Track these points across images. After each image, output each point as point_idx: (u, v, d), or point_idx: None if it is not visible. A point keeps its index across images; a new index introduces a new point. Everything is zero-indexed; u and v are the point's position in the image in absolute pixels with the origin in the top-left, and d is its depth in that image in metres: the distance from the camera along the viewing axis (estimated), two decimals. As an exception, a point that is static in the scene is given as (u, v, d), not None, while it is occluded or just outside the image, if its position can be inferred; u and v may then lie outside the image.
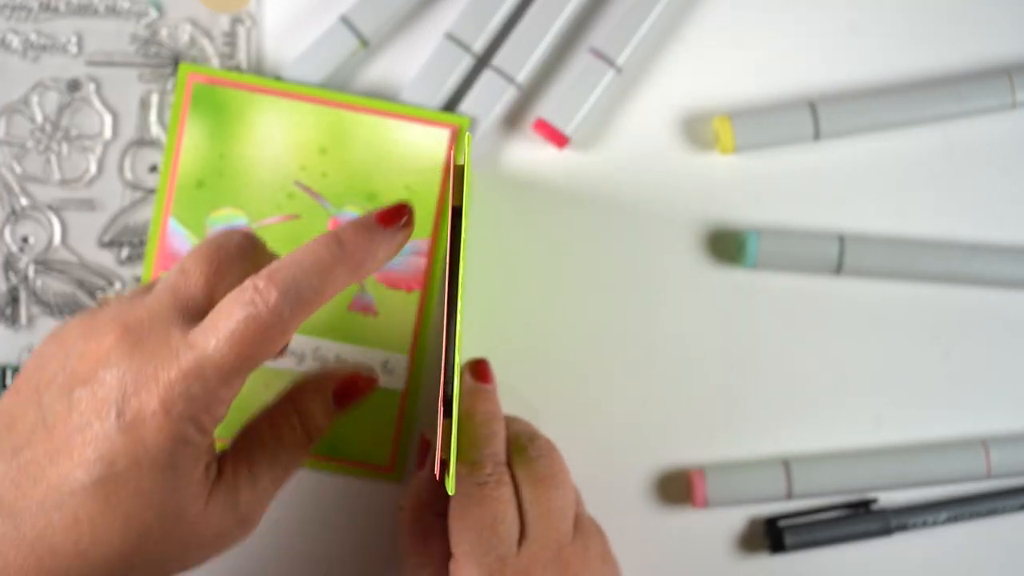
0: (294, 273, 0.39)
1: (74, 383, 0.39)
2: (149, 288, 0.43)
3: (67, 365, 0.40)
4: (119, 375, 0.39)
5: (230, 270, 0.42)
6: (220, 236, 0.43)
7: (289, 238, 0.56)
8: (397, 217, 0.43)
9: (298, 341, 0.56)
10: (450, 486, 0.42)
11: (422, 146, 0.56)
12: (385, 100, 0.57)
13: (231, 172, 0.56)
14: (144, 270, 0.56)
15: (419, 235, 0.56)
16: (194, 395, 0.39)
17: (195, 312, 0.41)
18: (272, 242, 0.55)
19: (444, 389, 0.44)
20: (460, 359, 0.44)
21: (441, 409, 0.44)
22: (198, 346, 0.39)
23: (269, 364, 0.55)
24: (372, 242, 0.42)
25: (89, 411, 0.39)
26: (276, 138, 0.56)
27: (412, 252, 0.56)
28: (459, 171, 0.45)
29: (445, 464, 0.42)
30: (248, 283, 0.39)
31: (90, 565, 0.39)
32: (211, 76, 0.56)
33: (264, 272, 0.39)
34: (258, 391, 0.56)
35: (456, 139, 0.56)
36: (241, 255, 0.42)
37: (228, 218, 0.56)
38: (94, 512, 0.38)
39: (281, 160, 0.56)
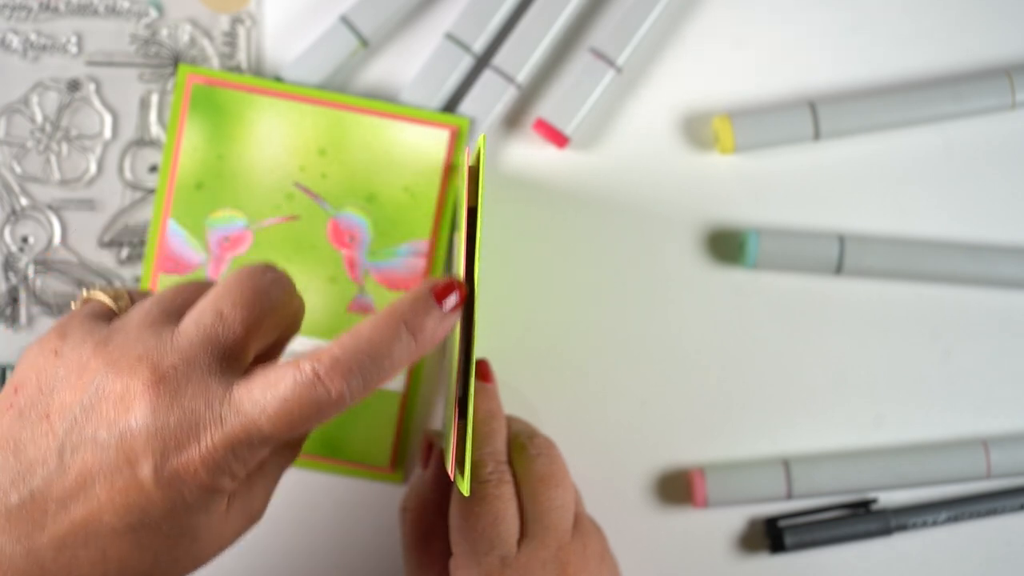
0: (361, 362, 0.38)
1: (98, 424, 0.38)
2: (168, 312, 0.40)
3: (86, 399, 0.38)
4: (155, 428, 0.37)
5: (268, 316, 0.40)
6: (257, 279, 0.40)
7: (289, 239, 0.56)
8: (449, 292, 0.41)
9: (297, 342, 0.56)
10: (464, 487, 0.42)
11: (421, 147, 0.56)
12: (385, 101, 0.57)
13: (230, 173, 0.56)
14: (143, 271, 0.56)
15: (419, 236, 0.56)
16: (237, 458, 0.38)
17: (232, 360, 0.39)
18: (272, 243, 0.56)
19: (460, 390, 0.44)
20: (475, 360, 0.43)
21: (456, 410, 0.44)
22: (245, 414, 0.37)
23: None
24: (437, 328, 0.40)
25: (118, 457, 0.37)
26: (275, 139, 0.56)
27: (412, 253, 0.56)
28: (474, 172, 0.45)
29: (460, 465, 0.42)
30: (308, 367, 0.38)
31: None
32: (210, 77, 0.56)
33: (328, 358, 0.38)
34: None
35: (456, 140, 0.56)
36: (278, 300, 0.41)
37: (227, 219, 0.56)
38: (124, 552, 0.38)
39: (280, 161, 0.56)
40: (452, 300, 0.41)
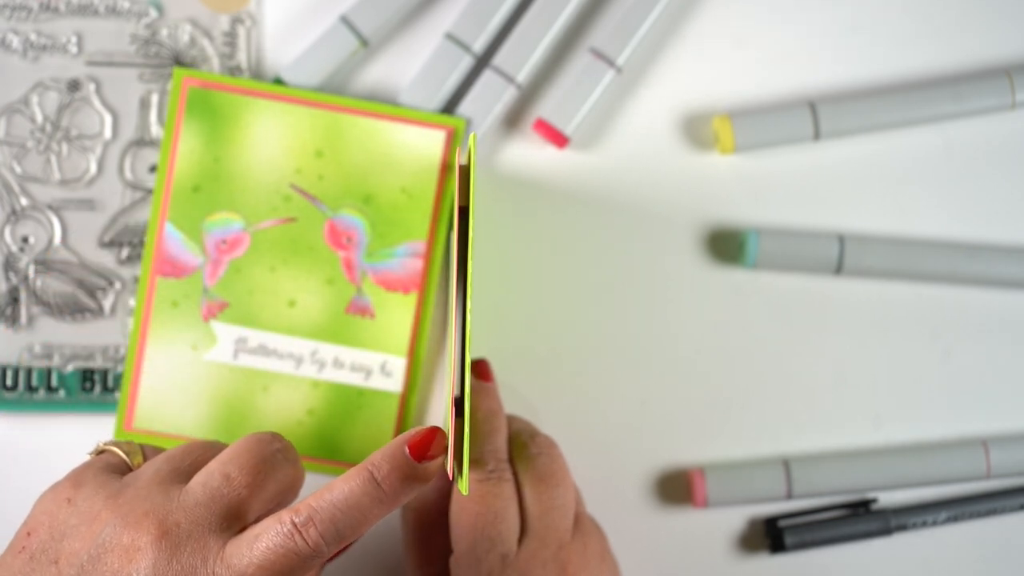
0: (333, 514, 0.41)
1: (103, 572, 0.40)
2: (178, 471, 0.43)
3: (94, 549, 0.40)
4: None
5: (271, 481, 0.43)
6: (264, 447, 0.43)
7: (286, 241, 0.56)
8: (427, 446, 0.43)
9: (297, 344, 0.56)
10: (463, 486, 0.42)
11: (418, 148, 0.56)
12: (382, 102, 0.57)
13: (227, 176, 0.56)
14: (142, 274, 0.56)
15: (416, 237, 0.56)
16: None
17: (233, 520, 0.41)
18: (269, 245, 0.56)
19: (457, 390, 0.44)
20: (470, 359, 0.44)
21: (453, 410, 0.44)
22: (234, 567, 0.40)
23: (265, 367, 0.56)
24: (407, 482, 0.42)
25: None
26: (271, 141, 0.56)
27: (409, 254, 0.56)
28: (464, 172, 0.45)
29: (458, 464, 0.42)
30: (287, 518, 0.40)
31: None
32: (206, 80, 0.56)
33: (305, 510, 0.40)
34: (255, 393, 0.56)
35: (452, 140, 0.56)
36: (282, 469, 0.43)
37: (224, 222, 0.56)
38: None
39: (277, 163, 0.56)
40: (429, 452, 0.42)
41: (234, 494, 0.42)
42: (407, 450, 0.42)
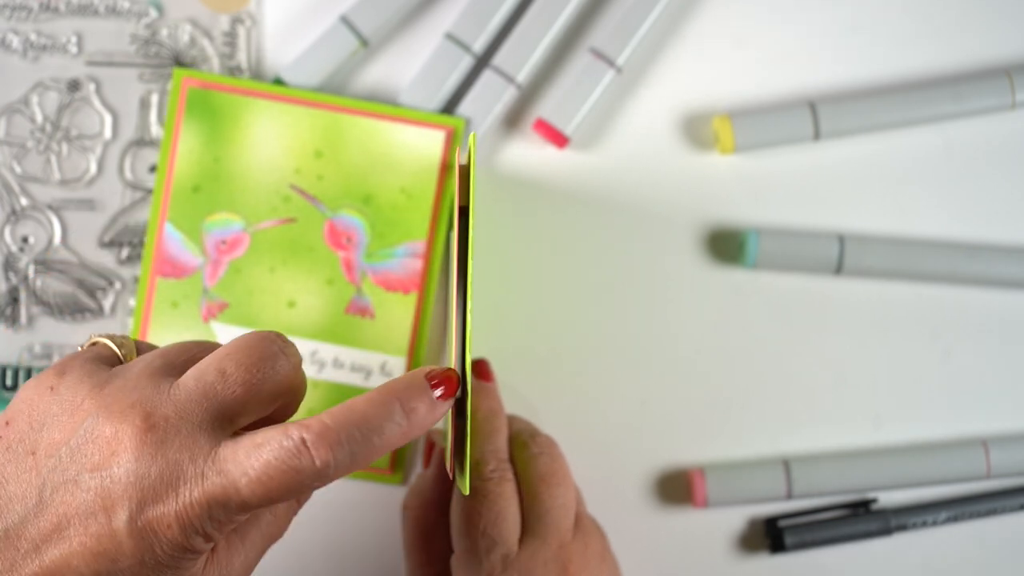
0: (351, 435, 0.37)
1: (82, 465, 0.37)
2: (171, 365, 0.40)
3: (74, 440, 0.37)
4: (136, 475, 0.37)
5: (270, 384, 0.39)
6: (266, 346, 0.39)
7: (285, 241, 0.56)
8: (443, 380, 0.40)
9: (297, 344, 0.55)
10: (463, 485, 0.42)
11: (417, 148, 0.56)
12: (383, 101, 0.57)
13: (226, 176, 0.56)
14: (142, 274, 0.56)
15: (416, 237, 0.56)
16: (212, 518, 0.37)
17: (226, 420, 0.38)
18: (269, 246, 0.56)
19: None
20: (471, 359, 0.44)
21: (453, 410, 0.44)
22: (227, 473, 0.36)
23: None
24: (429, 413, 0.39)
25: (96, 502, 0.37)
26: (271, 142, 0.56)
27: (409, 254, 0.56)
28: (465, 171, 0.45)
29: (459, 464, 0.42)
30: (295, 432, 0.37)
31: None
32: (205, 81, 0.56)
33: (317, 426, 0.37)
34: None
35: (452, 140, 0.56)
36: (283, 371, 0.40)
37: (224, 222, 0.56)
38: None
39: (276, 164, 0.56)
40: (445, 389, 0.40)
41: (228, 392, 0.38)
42: (427, 381, 0.40)
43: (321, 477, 0.37)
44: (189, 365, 0.40)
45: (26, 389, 0.40)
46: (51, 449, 0.38)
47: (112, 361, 0.41)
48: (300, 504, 0.42)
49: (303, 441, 0.36)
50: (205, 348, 0.41)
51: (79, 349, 0.42)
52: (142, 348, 0.42)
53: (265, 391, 0.39)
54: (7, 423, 0.39)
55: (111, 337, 0.42)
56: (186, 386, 0.38)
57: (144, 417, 0.37)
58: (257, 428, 0.38)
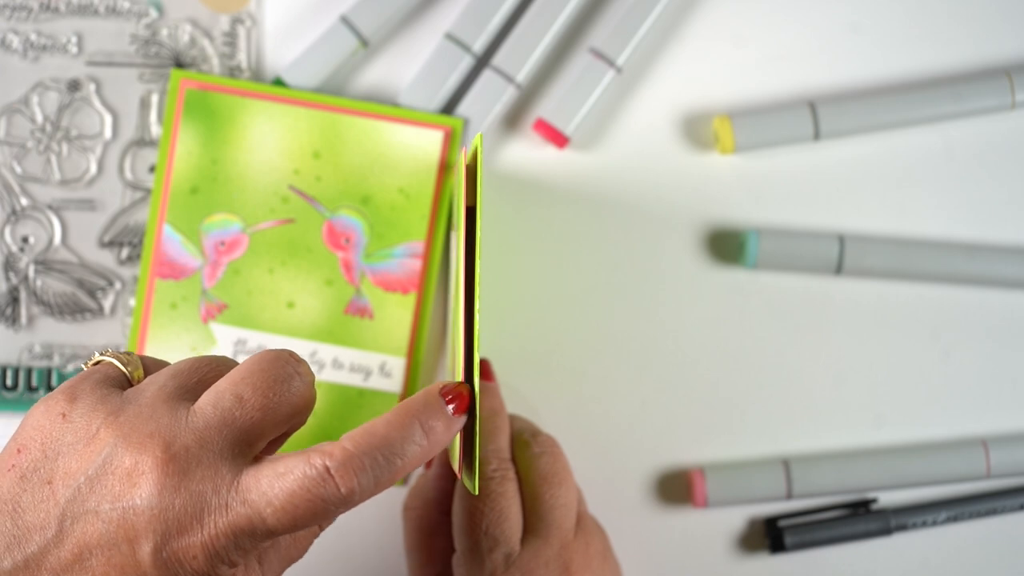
0: (374, 460, 0.37)
1: (102, 496, 0.37)
2: (184, 389, 0.39)
3: (92, 470, 0.37)
4: (160, 507, 0.36)
5: (285, 404, 0.39)
6: (280, 367, 0.39)
7: (284, 242, 0.56)
8: (456, 395, 0.40)
9: (296, 345, 0.56)
10: (472, 485, 0.41)
11: (415, 149, 0.56)
12: (382, 102, 0.57)
13: (225, 177, 0.56)
14: (140, 276, 0.56)
15: (414, 237, 0.56)
16: (239, 547, 0.37)
17: (246, 446, 0.38)
18: (267, 247, 0.56)
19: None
20: (478, 358, 0.43)
21: None
22: (252, 504, 0.36)
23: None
24: (446, 431, 0.39)
25: (118, 533, 0.36)
26: (269, 143, 0.56)
27: (408, 255, 0.56)
28: (471, 171, 0.45)
29: (467, 464, 0.42)
30: (319, 461, 0.36)
31: None
32: (203, 82, 0.56)
33: (340, 453, 0.37)
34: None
35: (450, 140, 0.56)
36: (298, 392, 0.39)
37: (223, 223, 0.56)
38: None
39: (275, 165, 0.56)
40: (458, 404, 0.40)
41: (247, 417, 0.38)
42: (442, 397, 0.40)
43: (346, 503, 0.37)
44: (202, 387, 0.39)
45: (35, 415, 0.39)
46: (68, 479, 0.37)
47: (120, 381, 0.40)
48: (322, 528, 0.42)
49: (327, 469, 0.36)
50: (216, 367, 0.40)
51: (83, 368, 0.41)
52: (148, 364, 0.42)
53: (282, 413, 0.39)
54: (18, 451, 0.38)
55: (116, 356, 0.41)
56: (204, 413, 0.38)
57: (164, 447, 0.37)
58: (272, 447, 0.38)
